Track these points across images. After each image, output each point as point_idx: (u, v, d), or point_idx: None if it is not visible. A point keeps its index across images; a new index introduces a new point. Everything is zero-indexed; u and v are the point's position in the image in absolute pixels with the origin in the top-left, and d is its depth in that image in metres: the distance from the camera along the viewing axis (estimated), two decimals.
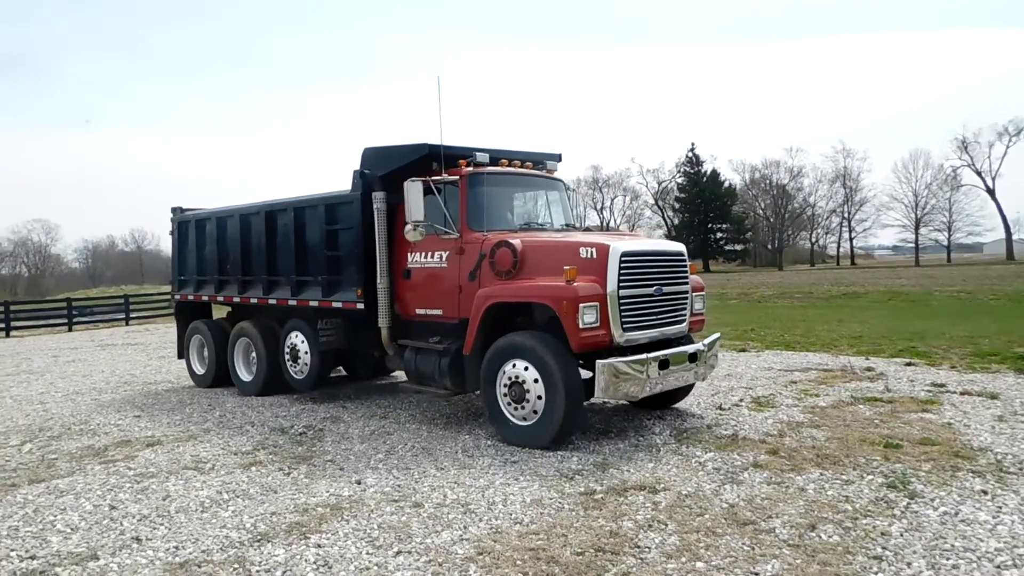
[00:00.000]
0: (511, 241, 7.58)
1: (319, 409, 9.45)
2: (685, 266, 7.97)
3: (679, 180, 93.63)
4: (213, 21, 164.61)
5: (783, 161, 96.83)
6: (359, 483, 6.21)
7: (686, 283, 7.94)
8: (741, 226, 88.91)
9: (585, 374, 7.18)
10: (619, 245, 7.19)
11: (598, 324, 6.94)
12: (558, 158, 9.78)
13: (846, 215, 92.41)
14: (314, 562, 4.61)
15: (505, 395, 7.34)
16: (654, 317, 7.48)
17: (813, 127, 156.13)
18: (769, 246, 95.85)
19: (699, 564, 4.42)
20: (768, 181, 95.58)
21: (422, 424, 8.41)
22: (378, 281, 8.75)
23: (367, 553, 4.73)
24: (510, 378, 7.28)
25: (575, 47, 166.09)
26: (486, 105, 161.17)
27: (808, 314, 21.68)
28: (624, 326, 7.13)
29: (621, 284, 7.09)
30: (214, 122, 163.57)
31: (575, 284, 6.91)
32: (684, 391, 8.62)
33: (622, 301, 7.10)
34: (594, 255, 7.16)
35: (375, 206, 8.73)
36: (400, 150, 8.64)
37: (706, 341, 8.12)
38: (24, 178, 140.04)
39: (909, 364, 11.34)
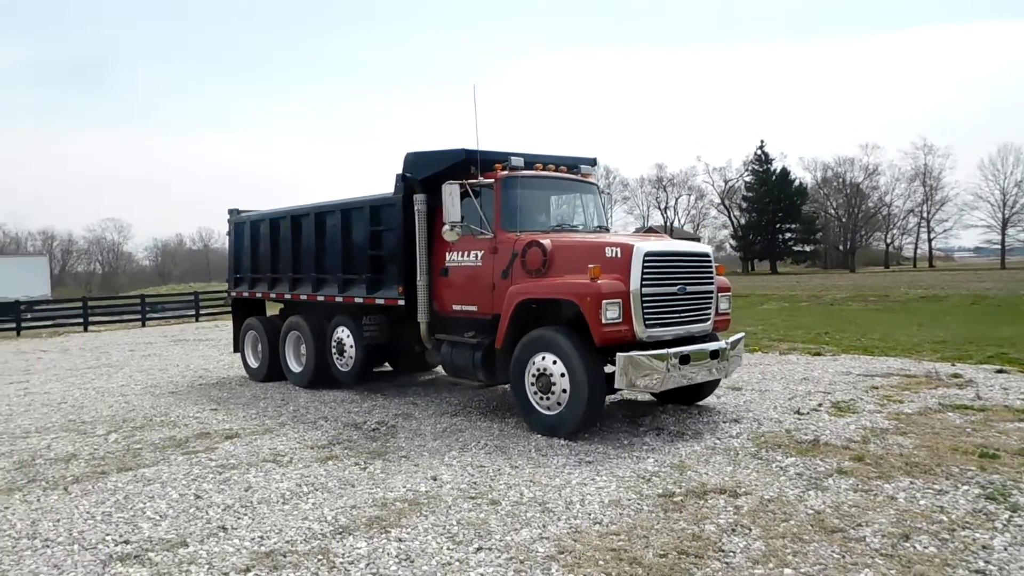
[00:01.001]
0: (542, 241, 7.92)
1: (390, 405, 9.54)
2: (710, 267, 8.15)
3: (747, 179, 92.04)
4: (282, 25, 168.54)
5: (858, 159, 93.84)
6: (435, 479, 6.23)
7: (711, 283, 8.12)
8: (811, 226, 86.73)
9: (611, 369, 7.41)
10: (643, 245, 7.47)
11: (621, 320, 7.22)
12: (592, 162, 10.06)
13: (925, 215, 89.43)
14: (396, 555, 4.63)
15: (533, 386, 7.72)
16: (678, 315, 7.73)
17: (891, 123, 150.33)
18: (840, 247, 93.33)
19: (787, 571, 4.29)
20: (841, 179, 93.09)
21: (493, 422, 8.40)
22: (418, 279, 9.13)
23: (448, 548, 4.72)
24: (538, 370, 7.64)
25: (640, 47, 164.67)
26: (550, 106, 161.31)
27: (885, 318, 20.99)
28: (647, 322, 7.39)
29: (644, 283, 7.34)
30: (280, 125, 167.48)
31: (599, 282, 7.22)
32: (708, 388, 8.78)
33: (645, 299, 7.36)
34: (619, 255, 7.47)
35: (416, 208, 9.11)
36: (439, 155, 9.00)
37: (730, 340, 8.32)
38: (98, 178, 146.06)
39: (1000, 371, 10.84)
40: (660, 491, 5.75)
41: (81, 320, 27.57)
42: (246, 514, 5.49)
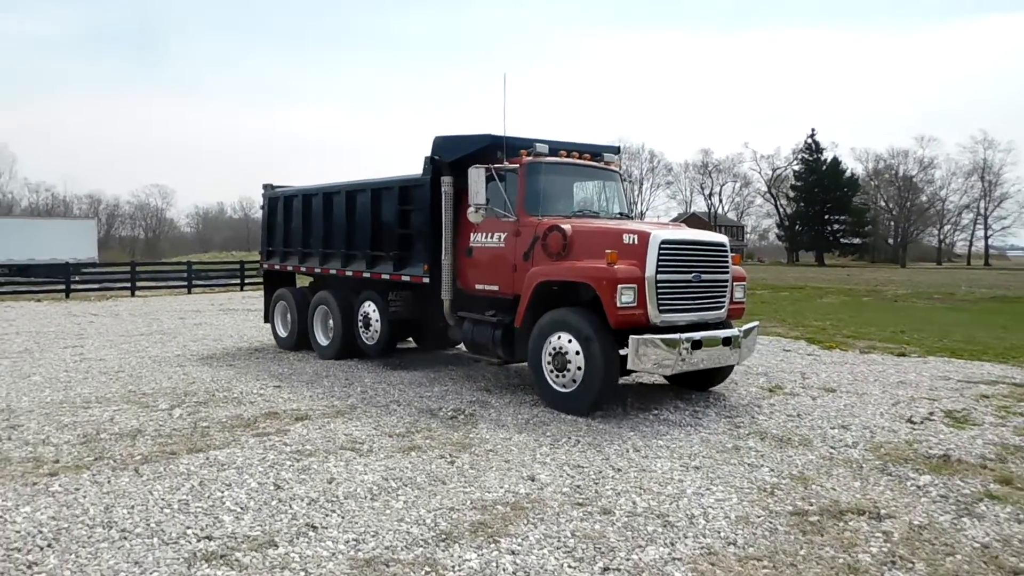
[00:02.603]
0: (562, 226, 8.16)
1: (463, 392, 9.02)
2: (726, 257, 8.34)
3: (796, 167, 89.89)
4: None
5: (912, 151, 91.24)
6: (532, 480, 5.68)
7: (726, 272, 8.34)
8: (861, 219, 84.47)
9: (625, 351, 7.55)
10: (660, 233, 7.73)
11: (635, 304, 7.47)
12: (616, 150, 10.31)
13: (982, 211, 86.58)
14: (513, 572, 4.09)
15: (549, 364, 7.97)
16: (692, 302, 7.95)
17: (950, 116, 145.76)
18: (889, 241, 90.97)
19: None
20: (893, 172, 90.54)
21: (579, 416, 7.82)
22: (443, 258, 9.42)
23: (569, 567, 4.18)
24: (554, 349, 7.90)
25: (690, 30, 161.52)
26: (597, 88, 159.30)
27: (959, 318, 19.98)
28: (660, 307, 7.62)
29: (659, 269, 7.56)
30: (327, 99, 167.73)
31: (616, 267, 7.47)
32: (721, 375, 8.95)
33: (659, 285, 7.59)
34: (636, 241, 7.69)
35: (443, 189, 9.37)
36: (467, 139, 9.32)
37: (743, 328, 8.47)
38: (143, 145, 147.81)
39: None
40: (790, 508, 5.15)
41: (129, 284, 27.51)
42: (334, 511, 5.00)
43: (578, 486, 5.55)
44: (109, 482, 5.53)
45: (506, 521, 4.83)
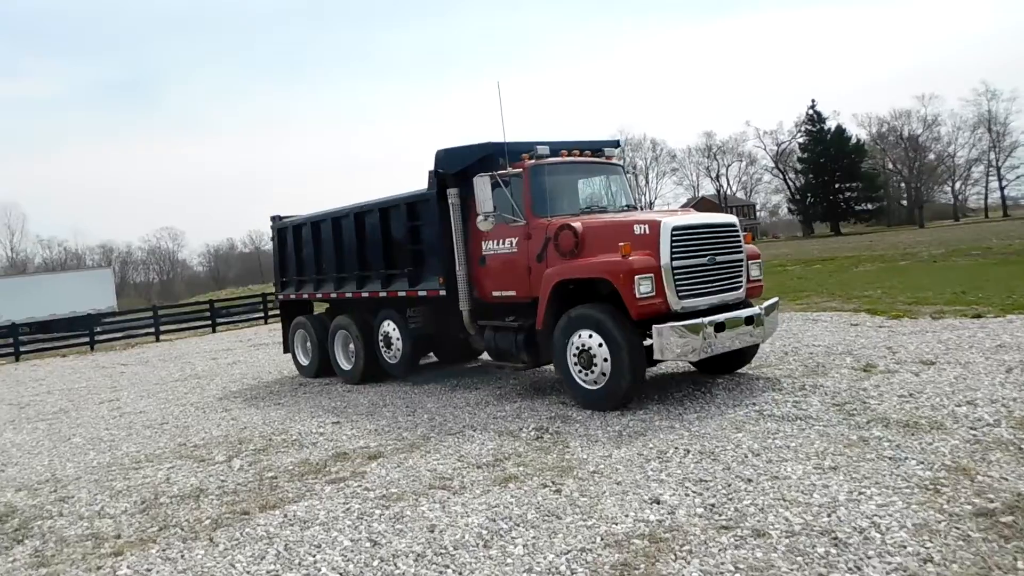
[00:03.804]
0: (572, 224, 8.12)
1: (538, 407, 8.34)
2: (738, 236, 8.32)
3: (800, 140, 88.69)
4: (317, 24, 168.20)
5: (915, 110, 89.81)
6: (657, 502, 5.00)
7: (740, 252, 8.29)
8: (873, 184, 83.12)
9: (650, 342, 7.56)
10: (670, 220, 7.66)
11: (654, 293, 7.41)
12: (616, 144, 10.28)
13: (993, 162, 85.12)
14: None
15: (575, 363, 7.89)
16: (710, 285, 7.89)
17: (948, 71, 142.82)
18: (903, 202, 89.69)
19: None
20: (898, 134, 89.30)
21: (669, 419, 7.13)
22: (457, 269, 9.39)
23: None
24: (578, 347, 7.83)
25: (679, 17, 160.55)
26: (593, 84, 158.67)
27: (1011, 271, 19.11)
28: (680, 294, 7.58)
29: (674, 256, 7.52)
30: (323, 124, 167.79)
31: (631, 258, 7.41)
32: (748, 355, 8.91)
33: (676, 271, 7.53)
34: (647, 231, 7.64)
35: (450, 201, 9.39)
36: (468, 149, 9.33)
37: (764, 305, 8.37)
38: (151, 190, 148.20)
39: None
40: (969, 507, 4.44)
41: (152, 330, 27.02)
42: (447, 566, 4.34)
43: (712, 505, 4.87)
44: (183, 557, 4.89)
45: (650, 558, 4.15)
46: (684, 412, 7.45)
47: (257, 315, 30.90)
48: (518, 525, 4.85)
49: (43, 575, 4.86)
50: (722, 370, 8.98)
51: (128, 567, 4.79)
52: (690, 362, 8.85)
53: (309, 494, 5.96)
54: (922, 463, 5.25)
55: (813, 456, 5.65)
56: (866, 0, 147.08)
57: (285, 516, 5.47)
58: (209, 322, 28.90)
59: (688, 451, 6.08)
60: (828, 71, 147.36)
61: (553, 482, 5.64)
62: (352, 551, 4.69)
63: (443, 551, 4.55)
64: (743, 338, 7.97)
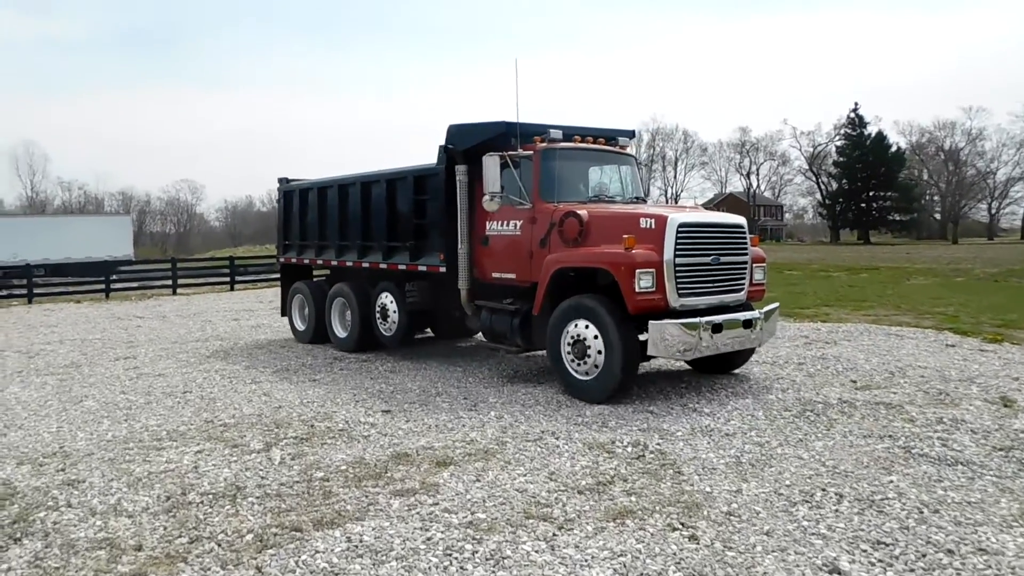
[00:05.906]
0: (578, 212, 7.98)
1: (624, 414, 7.16)
2: (745, 238, 8.18)
3: (838, 143, 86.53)
4: None
5: (960, 122, 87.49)
6: (838, 573, 3.85)
7: (745, 254, 8.16)
8: (909, 195, 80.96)
9: (645, 337, 7.38)
10: (677, 216, 7.51)
11: (654, 289, 7.27)
12: (630, 135, 10.08)
13: None
14: None
15: (569, 352, 7.80)
16: (711, 285, 7.78)
17: (1000, 84, 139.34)
18: (935, 216, 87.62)
19: None
20: (939, 145, 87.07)
21: (790, 445, 5.96)
22: (459, 247, 9.24)
23: None
24: (573, 336, 7.74)
25: (727, 9, 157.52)
26: (629, 70, 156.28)
27: None
28: (680, 292, 7.44)
29: (678, 253, 7.38)
30: (350, 87, 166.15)
31: (633, 251, 7.28)
32: (742, 358, 8.79)
33: (678, 269, 7.40)
34: (653, 225, 7.48)
35: (457, 178, 9.18)
36: (481, 127, 9.05)
37: (763, 310, 8.28)
38: (172, 141, 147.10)
39: None
40: None
41: (170, 283, 26.03)
42: None
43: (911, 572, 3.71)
44: None
45: None
46: (804, 437, 6.28)
47: (275, 276, 29.77)
48: None
49: None
50: (714, 370, 8.89)
51: None
52: (684, 361, 8.76)
53: (373, 509, 4.84)
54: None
55: (1013, 521, 4.48)
56: (915, 5, 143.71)
57: (349, 540, 4.35)
58: (228, 279, 27.92)
59: (840, 496, 4.92)
60: (875, 74, 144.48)
61: (683, 523, 4.50)
62: None
63: None
64: (739, 341, 7.89)
